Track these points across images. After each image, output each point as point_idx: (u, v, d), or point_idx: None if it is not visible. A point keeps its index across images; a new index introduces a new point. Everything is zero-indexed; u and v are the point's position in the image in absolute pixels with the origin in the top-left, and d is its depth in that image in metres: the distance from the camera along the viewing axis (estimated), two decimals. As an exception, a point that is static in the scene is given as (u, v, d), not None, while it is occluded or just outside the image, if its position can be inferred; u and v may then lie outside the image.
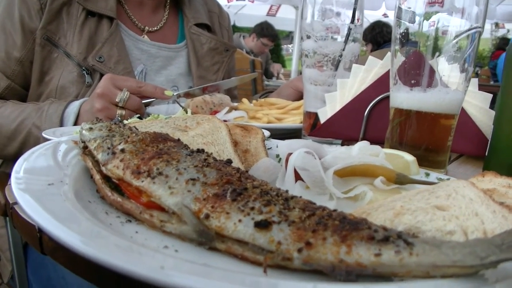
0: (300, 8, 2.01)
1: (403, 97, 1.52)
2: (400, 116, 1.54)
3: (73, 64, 2.41)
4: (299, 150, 1.18)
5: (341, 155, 1.24)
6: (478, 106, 1.85)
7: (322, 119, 1.93)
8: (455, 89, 1.48)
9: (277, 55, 22.74)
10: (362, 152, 1.26)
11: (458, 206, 0.96)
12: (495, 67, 18.86)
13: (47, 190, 0.90)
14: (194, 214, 0.85)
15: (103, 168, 1.02)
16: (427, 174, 1.36)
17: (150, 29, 2.78)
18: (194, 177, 0.91)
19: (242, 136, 1.37)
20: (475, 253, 0.71)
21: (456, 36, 1.45)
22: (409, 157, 1.31)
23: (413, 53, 1.53)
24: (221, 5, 3.21)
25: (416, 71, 1.51)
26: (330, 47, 1.93)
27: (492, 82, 17.03)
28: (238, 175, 0.95)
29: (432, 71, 1.49)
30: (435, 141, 1.53)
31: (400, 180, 1.18)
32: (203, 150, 1.05)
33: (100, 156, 1.04)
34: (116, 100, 1.96)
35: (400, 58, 1.53)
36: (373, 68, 1.90)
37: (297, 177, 1.18)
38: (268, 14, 17.56)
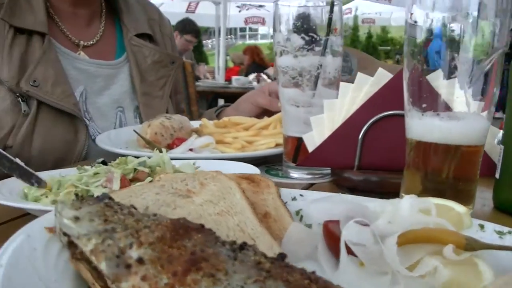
0: (272, 20, 1.75)
1: (422, 128, 1.30)
2: (420, 148, 1.32)
3: (5, 91, 2.07)
4: (351, 222, 0.93)
5: (396, 216, 0.99)
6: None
7: (310, 146, 1.69)
8: (478, 115, 1.28)
9: (199, 52, 22.60)
10: (413, 208, 1.02)
11: None
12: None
13: None
14: None
15: (112, 286, 0.72)
16: (481, 226, 1.14)
17: (86, 43, 2.46)
18: (263, 303, 0.63)
19: (253, 192, 1.10)
20: None
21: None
22: (460, 209, 1.09)
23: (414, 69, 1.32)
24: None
25: (426, 93, 1.30)
26: (307, 62, 1.69)
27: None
28: (315, 286, 0.68)
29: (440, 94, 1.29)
30: (463, 174, 1.33)
31: (472, 245, 0.95)
32: (244, 244, 0.77)
33: (104, 267, 0.73)
34: None
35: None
36: (363, 86, 1.67)
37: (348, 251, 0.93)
38: (187, 11, 17.35)
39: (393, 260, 0.90)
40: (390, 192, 1.27)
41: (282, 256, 0.76)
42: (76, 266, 0.80)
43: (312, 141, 1.70)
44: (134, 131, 2.04)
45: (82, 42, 2.44)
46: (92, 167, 1.48)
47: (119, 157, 1.52)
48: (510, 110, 1.45)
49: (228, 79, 10.49)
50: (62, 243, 0.87)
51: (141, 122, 2.45)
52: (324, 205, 1.04)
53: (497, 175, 1.50)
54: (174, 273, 0.68)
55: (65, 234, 0.85)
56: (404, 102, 1.35)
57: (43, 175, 1.57)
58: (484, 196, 1.57)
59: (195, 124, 2.33)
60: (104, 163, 1.52)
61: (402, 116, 1.51)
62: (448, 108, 1.29)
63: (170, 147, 2.01)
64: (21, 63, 2.11)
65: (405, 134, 1.37)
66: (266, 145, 2.00)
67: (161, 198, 1.02)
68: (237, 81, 8.98)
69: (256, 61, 13.85)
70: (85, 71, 2.37)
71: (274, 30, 1.74)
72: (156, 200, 1.02)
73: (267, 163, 1.98)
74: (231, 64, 16.84)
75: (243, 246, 0.76)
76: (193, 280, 0.67)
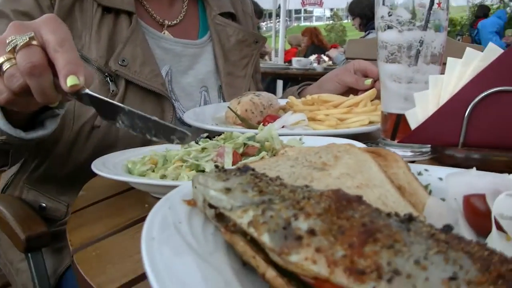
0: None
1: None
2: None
3: (93, 70, 2.03)
4: (502, 195, 0.89)
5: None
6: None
7: (412, 122, 1.64)
8: None
9: (257, 33, 22.85)
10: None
11: None
12: (477, 34, 19.18)
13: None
14: None
15: (277, 259, 0.70)
16: None
17: (170, 23, 2.43)
18: (451, 274, 0.60)
19: (383, 166, 1.07)
20: None
21: None
22: None
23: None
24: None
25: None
26: (411, 37, 1.64)
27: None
28: (497, 258, 0.65)
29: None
30: None
31: None
32: (412, 215, 0.74)
33: (268, 240, 0.71)
34: (7, 40, 1.22)
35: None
36: (472, 61, 1.60)
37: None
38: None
39: (548, 235, 0.86)
40: (493, 171, 1.20)
41: (450, 227, 0.73)
42: (231, 238, 0.78)
43: (415, 118, 1.65)
44: (229, 107, 2.02)
45: (166, 22, 2.41)
46: (197, 142, 1.47)
47: (224, 133, 1.51)
48: None
49: (287, 61, 10.39)
50: (207, 215, 0.86)
51: (225, 101, 2.43)
52: (464, 179, 0.99)
53: None
54: (350, 245, 0.66)
55: (211, 206, 0.84)
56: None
57: (145, 150, 1.58)
58: None
59: (281, 101, 2.31)
60: (209, 137, 1.51)
61: (514, 91, 1.45)
62: None
63: (260, 124, 1.99)
64: (109, 42, 2.10)
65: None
66: (359, 123, 1.97)
67: (297, 171, 1.00)
68: (298, 62, 8.88)
69: (315, 43, 13.69)
70: (171, 50, 2.35)
71: (377, 5, 1.69)
72: (292, 173, 1.00)
73: (359, 141, 1.95)
74: (287, 46, 16.71)
75: (411, 217, 0.73)
76: (373, 251, 0.64)
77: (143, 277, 0.89)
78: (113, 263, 0.99)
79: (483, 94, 1.57)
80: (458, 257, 0.63)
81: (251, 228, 0.75)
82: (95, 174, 1.32)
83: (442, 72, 1.69)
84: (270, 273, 0.70)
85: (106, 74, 2.08)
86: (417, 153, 1.74)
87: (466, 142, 1.62)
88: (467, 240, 0.69)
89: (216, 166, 0.91)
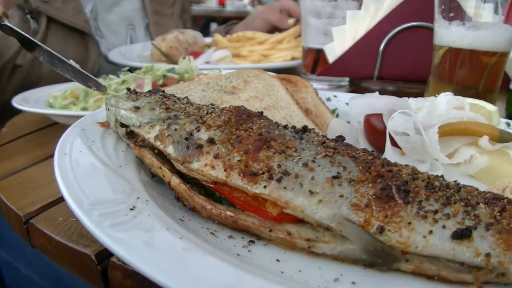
0: None
1: (451, 35, 1.32)
2: (450, 55, 1.34)
3: (12, 8, 1.97)
4: (396, 113, 0.97)
5: (433, 111, 1.03)
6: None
7: (330, 56, 1.71)
8: (504, 25, 1.31)
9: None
10: (449, 105, 1.05)
11: None
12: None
13: (136, 221, 0.63)
14: (361, 228, 0.62)
15: (181, 167, 0.75)
16: (508, 124, 1.18)
17: None
18: (334, 174, 0.67)
19: (293, 91, 1.13)
20: None
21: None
22: (490, 107, 1.13)
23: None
24: None
25: (452, 3, 1.32)
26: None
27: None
28: (379, 161, 0.72)
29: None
30: (487, 81, 1.36)
31: (504, 137, 1.00)
32: (306, 127, 0.80)
33: (172, 151, 0.76)
34: None
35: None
36: (387, -3, 1.67)
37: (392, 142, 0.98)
38: None
39: (434, 148, 0.95)
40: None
41: (342, 138, 0.80)
42: (140, 152, 0.83)
43: (333, 52, 1.72)
44: (152, 43, 2.04)
45: None
46: (118, 76, 1.49)
47: (144, 67, 1.53)
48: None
49: (222, 3, 10.22)
50: (119, 134, 0.90)
51: (152, 40, 2.43)
52: (364, 100, 1.07)
53: (511, 86, 1.54)
54: (246, 151, 0.72)
55: (122, 125, 0.88)
56: (433, 11, 1.36)
57: (67, 85, 1.58)
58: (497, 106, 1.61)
59: (207, 39, 2.33)
60: (130, 71, 1.52)
61: (426, 27, 1.53)
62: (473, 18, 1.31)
63: (185, 60, 2.01)
64: None
65: (433, 42, 1.39)
66: (282, 58, 2.02)
67: (208, 94, 1.05)
68: (232, 5, 8.79)
69: (249, -16, 13.50)
70: None
71: None
72: (203, 97, 1.04)
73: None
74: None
75: (306, 129, 0.79)
76: (266, 156, 0.70)
77: (58, 200, 0.92)
78: (33, 188, 1.01)
79: (396, 29, 1.65)
80: (343, 161, 0.71)
81: (157, 141, 0.80)
82: (18, 113, 1.32)
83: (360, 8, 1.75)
84: (175, 181, 0.75)
85: (27, 11, 2.02)
86: (336, 86, 1.82)
87: (381, 75, 1.70)
88: (354, 148, 0.77)
89: (128, 89, 0.94)
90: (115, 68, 1.98)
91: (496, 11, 1.30)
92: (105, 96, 1.37)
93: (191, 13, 2.98)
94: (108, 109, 0.91)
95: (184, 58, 1.80)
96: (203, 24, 8.41)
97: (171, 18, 2.53)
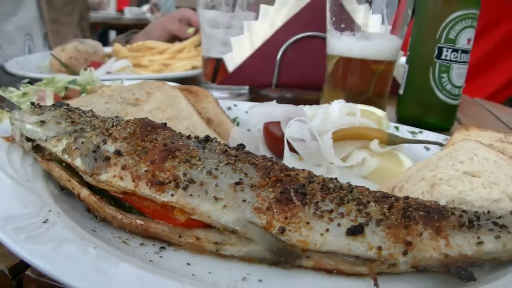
0: None
1: (342, 45, 1.42)
2: (342, 64, 1.44)
3: None
4: (292, 121, 1.03)
5: (327, 118, 1.11)
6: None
7: (230, 65, 1.76)
8: (390, 35, 1.42)
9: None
10: (342, 111, 1.13)
11: (489, 170, 0.91)
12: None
13: (50, 234, 0.65)
14: (264, 230, 0.67)
15: (90, 179, 0.77)
16: (397, 128, 1.29)
17: None
18: (236, 180, 0.72)
19: (194, 102, 1.16)
20: None
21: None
22: (380, 113, 1.22)
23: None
24: None
25: (345, 15, 1.42)
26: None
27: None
28: (278, 167, 0.78)
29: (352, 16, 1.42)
30: (377, 87, 1.47)
31: (393, 140, 1.09)
32: (208, 137, 0.84)
33: (80, 164, 0.78)
34: None
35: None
36: (283, 8, 1.75)
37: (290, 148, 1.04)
38: None
39: (329, 153, 1.02)
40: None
41: (242, 146, 0.85)
42: (48, 166, 0.83)
43: (232, 61, 1.77)
44: (51, 54, 2.00)
45: None
46: (18, 89, 1.46)
47: (45, 78, 1.51)
48: (415, 31, 1.59)
49: (120, 10, 10.04)
50: (24, 149, 0.89)
51: (51, 49, 2.38)
52: (263, 108, 1.12)
53: (400, 91, 1.66)
54: (152, 162, 0.75)
55: (28, 139, 0.88)
56: (326, 22, 1.45)
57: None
58: (387, 111, 1.73)
59: (106, 49, 2.31)
60: (30, 83, 1.50)
61: (320, 37, 1.63)
62: (362, 29, 1.41)
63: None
64: None
65: (326, 51, 1.48)
66: (182, 67, 2.06)
67: (111, 107, 1.06)
68: (131, 12, 8.67)
69: (148, -9, 13.36)
70: None
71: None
72: (107, 109, 1.06)
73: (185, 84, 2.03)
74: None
75: (208, 138, 0.83)
76: (171, 166, 0.74)
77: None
78: None
79: (292, 39, 1.73)
80: (245, 167, 0.75)
81: (65, 155, 0.81)
82: None
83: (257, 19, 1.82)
84: (84, 193, 0.77)
85: None
86: (236, 95, 1.87)
87: (278, 83, 1.78)
88: (255, 155, 0.82)
89: (32, 103, 0.94)
90: (13, 80, 1.92)
91: (383, 22, 1.40)
92: (6, 109, 1.33)
93: (89, 20, 2.95)
94: (13, 124, 0.91)
95: (85, 69, 1.79)
96: (101, 31, 8.23)
97: (69, 27, 2.50)
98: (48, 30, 2.36)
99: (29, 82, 1.51)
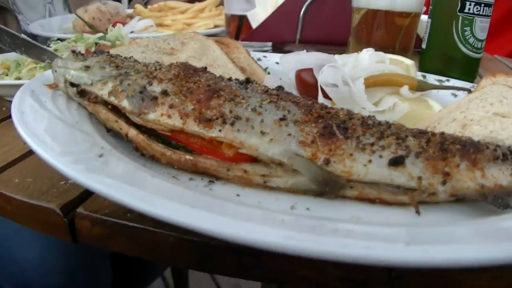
0: None
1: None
2: (369, 18, 1.45)
3: None
4: (326, 67, 1.05)
5: (358, 65, 1.13)
6: None
7: (253, 22, 1.78)
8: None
9: None
10: (371, 59, 1.15)
11: (519, 110, 0.93)
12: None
13: (109, 165, 0.68)
14: (310, 161, 0.71)
15: (137, 119, 0.80)
16: (424, 76, 1.31)
17: None
18: (280, 117, 0.75)
19: (226, 52, 1.19)
20: None
21: None
22: (408, 61, 1.24)
23: None
24: None
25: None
26: None
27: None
28: (318, 105, 0.81)
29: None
30: (404, 41, 1.49)
31: (422, 86, 1.12)
32: (249, 79, 0.87)
33: (127, 104, 0.81)
34: None
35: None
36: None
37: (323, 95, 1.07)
38: None
39: (361, 98, 1.05)
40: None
41: (282, 87, 0.87)
42: (94, 108, 0.87)
43: (256, 18, 1.79)
44: (76, 14, 2.01)
45: None
46: (49, 46, 1.48)
47: (74, 35, 1.53)
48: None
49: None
50: (69, 94, 0.93)
51: (71, 13, 2.40)
52: (295, 57, 1.15)
53: (423, 46, 1.67)
54: (198, 100, 0.78)
55: (73, 85, 0.91)
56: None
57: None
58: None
59: (128, 10, 2.33)
60: (60, 40, 1.52)
61: (343, -7, 1.63)
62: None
63: (109, 31, 2.01)
64: None
65: (352, 4, 1.50)
66: (205, 26, 2.07)
67: (148, 56, 1.09)
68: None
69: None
70: None
71: None
72: (143, 58, 1.09)
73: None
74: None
75: (249, 80, 0.86)
76: (217, 104, 0.77)
77: (13, 162, 0.93)
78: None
79: (315, -6, 1.74)
80: (287, 105, 0.78)
81: (111, 97, 0.84)
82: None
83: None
84: (132, 132, 0.80)
85: None
86: (259, 51, 1.88)
87: (302, 39, 1.80)
88: (295, 95, 0.85)
89: (73, 51, 0.97)
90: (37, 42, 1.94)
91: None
92: (39, 65, 1.37)
93: None
94: (56, 71, 0.94)
95: (107, 28, 1.81)
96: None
97: None
98: None
99: (58, 39, 1.54)
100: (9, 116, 1.14)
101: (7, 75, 1.40)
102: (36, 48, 1.13)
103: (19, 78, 1.35)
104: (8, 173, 0.90)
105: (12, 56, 1.48)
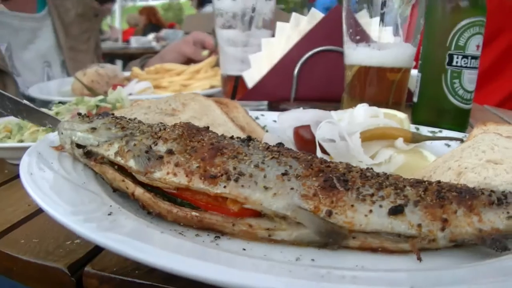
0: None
1: (362, 55, 1.49)
2: (361, 74, 1.51)
3: None
4: (323, 123, 1.09)
5: (353, 121, 1.17)
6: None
7: (249, 82, 1.83)
8: (404, 43, 1.49)
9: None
10: (366, 114, 1.19)
11: (510, 157, 0.96)
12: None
13: (118, 223, 0.71)
14: (313, 213, 0.73)
15: (143, 178, 0.83)
16: (417, 128, 1.35)
17: None
18: (283, 171, 0.78)
19: (225, 112, 1.23)
20: None
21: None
22: (401, 115, 1.28)
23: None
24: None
25: (357, 28, 1.49)
26: (243, 4, 1.82)
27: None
28: (318, 160, 0.84)
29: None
30: (397, 95, 1.54)
31: (416, 138, 1.16)
32: (250, 137, 0.91)
33: (133, 164, 0.84)
34: None
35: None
36: (298, 24, 1.83)
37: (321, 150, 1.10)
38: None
39: (358, 152, 1.08)
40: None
41: (282, 144, 0.91)
42: (101, 169, 0.89)
43: (251, 78, 1.84)
44: (75, 77, 2.07)
45: None
46: (50, 109, 1.52)
47: (75, 98, 1.57)
48: (426, 41, 1.64)
49: (126, 40, 10.23)
50: (75, 155, 0.95)
51: (69, 76, 2.46)
52: (292, 114, 1.19)
53: (415, 99, 1.72)
54: (202, 158, 0.81)
55: (79, 146, 0.94)
56: (343, 34, 1.53)
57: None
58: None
59: (125, 73, 2.39)
60: (62, 103, 1.56)
61: (334, 51, 1.70)
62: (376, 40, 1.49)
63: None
64: None
65: (344, 62, 1.55)
66: (201, 87, 2.12)
67: (150, 117, 1.12)
68: (137, 41, 8.86)
69: (153, 22, 13.69)
70: (8, 24, 2.32)
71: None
72: (146, 119, 1.12)
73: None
74: (125, 26, 16.34)
75: (250, 138, 0.90)
76: (221, 161, 0.80)
77: (18, 224, 0.95)
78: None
79: (308, 54, 1.80)
80: (288, 161, 0.81)
81: (118, 157, 0.87)
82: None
83: (273, 36, 1.89)
84: (139, 191, 0.83)
85: None
86: (255, 110, 1.93)
87: (297, 97, 1.84)
88: (295, 150, 0.88)
89: (79, 114, 1.00)
90: (36, 105, 1.98)
91: (396, 33, 1.48)
92: (41, 128, 1.40)
93: (102, 49, 3.04)
94: (62, 133, 0.97)
95: (106, 92, 1.86)
96: (107, 61, 8.40)
97: (87, 54, 2.57)
98: (66, 57, 2.43)
99: (60, 102, 1.58)
100: (12, 178, 1.17)
101: (9, 138, 1.43)
102: (38, 113, 1.17)
103: (21, 141, 1.38)
104: (14, 234, 0.91)
105: (14, 119, 1.51)
